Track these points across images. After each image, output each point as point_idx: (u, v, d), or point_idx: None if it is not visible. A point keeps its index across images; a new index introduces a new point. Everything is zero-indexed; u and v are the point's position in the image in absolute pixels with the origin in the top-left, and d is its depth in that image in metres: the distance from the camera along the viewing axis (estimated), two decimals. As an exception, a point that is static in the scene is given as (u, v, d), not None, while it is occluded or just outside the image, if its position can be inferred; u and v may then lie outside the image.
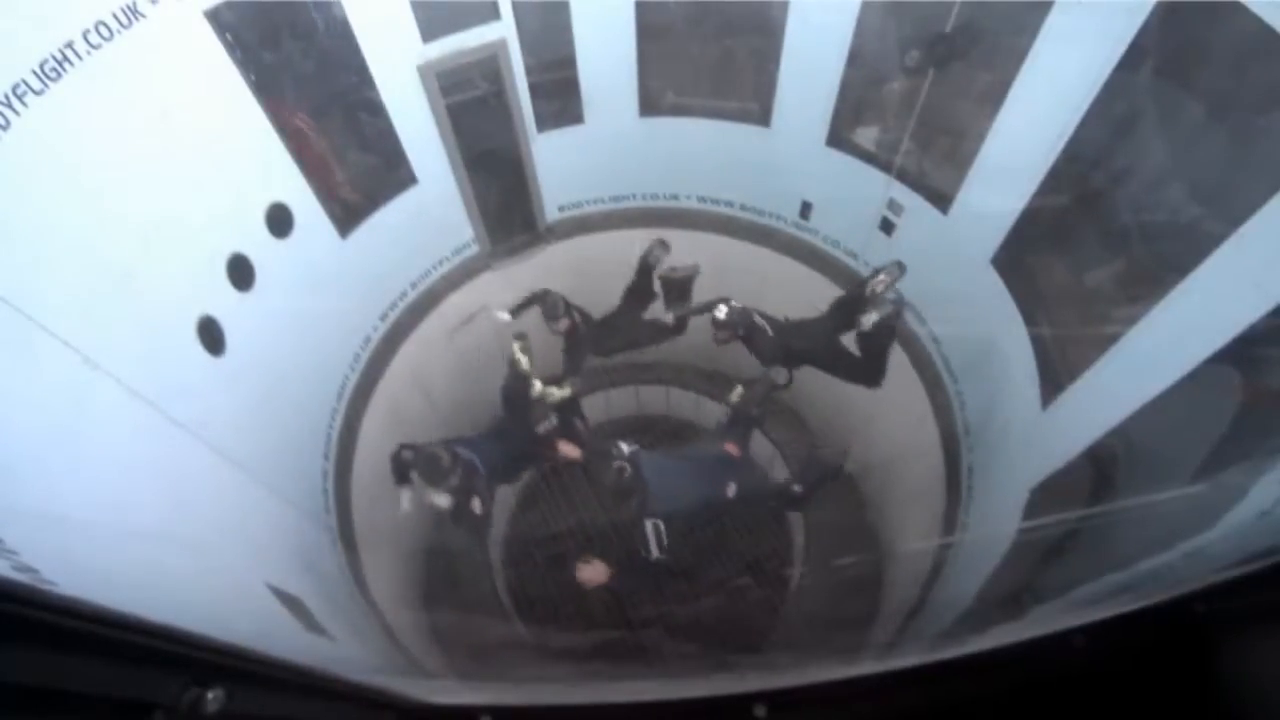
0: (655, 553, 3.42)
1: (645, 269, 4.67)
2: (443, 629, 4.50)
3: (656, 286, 4.72)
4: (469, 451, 3.84)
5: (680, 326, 4.70)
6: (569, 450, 4.03)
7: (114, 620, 0.84)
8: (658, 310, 4.81)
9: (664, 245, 4.61)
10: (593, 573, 3.49)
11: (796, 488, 4.10)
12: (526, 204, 5.15)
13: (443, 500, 3.69)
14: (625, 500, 3.53)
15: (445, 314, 5.12)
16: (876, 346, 4.06)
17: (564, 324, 4.37)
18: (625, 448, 3.62)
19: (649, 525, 3.43)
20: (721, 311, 4.06)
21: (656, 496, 3.49)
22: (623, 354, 5.17)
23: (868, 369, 4.17)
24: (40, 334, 2.18)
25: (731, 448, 3.96)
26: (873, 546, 5.47)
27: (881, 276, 3.97)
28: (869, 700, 1.17)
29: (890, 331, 4.03)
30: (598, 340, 4.68)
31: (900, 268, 3.98)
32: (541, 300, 4.37)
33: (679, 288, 4.67)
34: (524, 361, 4.23)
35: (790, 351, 4.19)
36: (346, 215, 4.15)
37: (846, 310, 4.15)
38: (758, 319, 4.14)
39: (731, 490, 3.78)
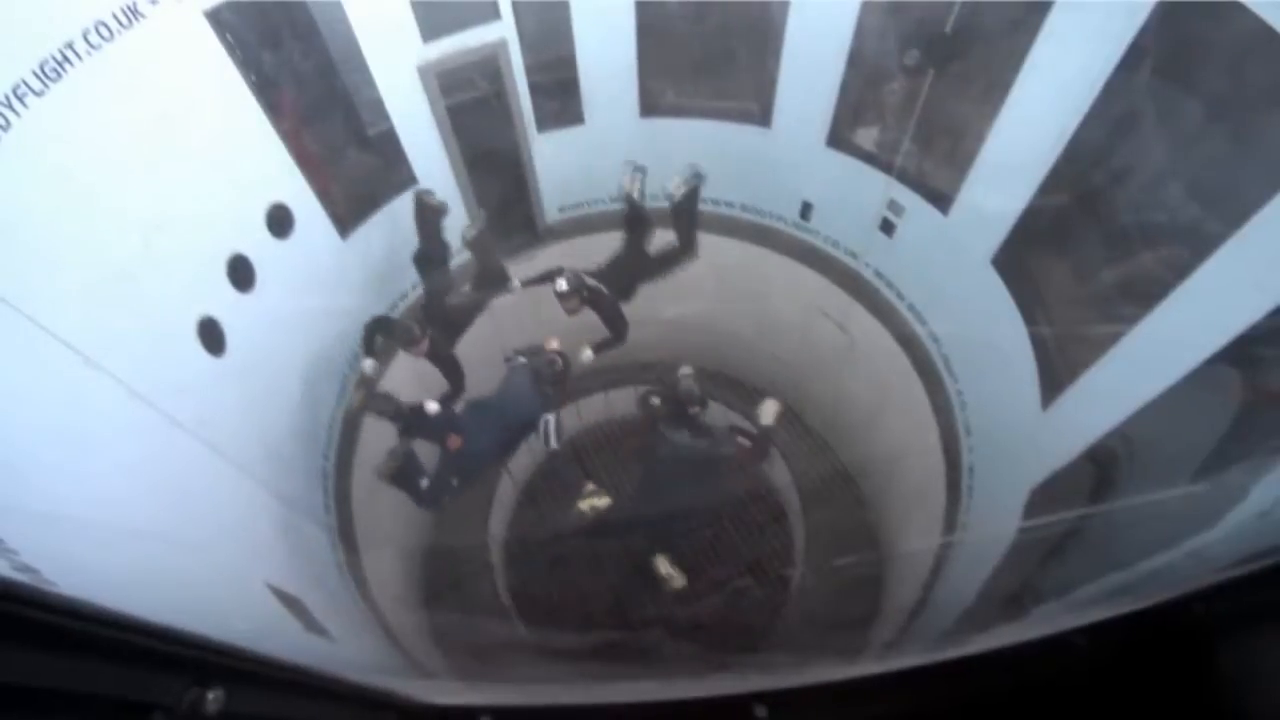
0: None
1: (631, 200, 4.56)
2: (443, 629, 4.50)
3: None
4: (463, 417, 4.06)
5: (687, 246, 4.66)
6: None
7: (114, 620, 0.84)
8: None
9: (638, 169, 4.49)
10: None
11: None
12: (526, 204, 5.15)
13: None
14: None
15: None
16: (685, 216, 4.39)
17: (573, 301, 4.21)
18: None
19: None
20: (562, 284, 4.05)
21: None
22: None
23: (683, 246, 4.50)
24: (40, 334, 2.18)
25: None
26: (873, 547, 5.47)
27: (632, 177, 4.29)
28: (869, 700, 1.17)
29: (694, 198, 4.37)
30: (617, 287, 4.57)
31: (637, 168, 4.32)
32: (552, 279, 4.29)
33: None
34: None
35: (623, 287, 4.48)
36: (347, 215, 4.15)
37: (635, 226, 4.47)
38: (590, 281, 4.21)
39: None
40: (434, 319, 4.49)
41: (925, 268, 4.39)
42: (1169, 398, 2.77)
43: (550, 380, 3.89)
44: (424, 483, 4.08)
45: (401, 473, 4.03)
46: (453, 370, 4.44)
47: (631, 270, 4.67)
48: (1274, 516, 1.94)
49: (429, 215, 4.27)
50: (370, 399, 4.22)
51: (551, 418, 3.87)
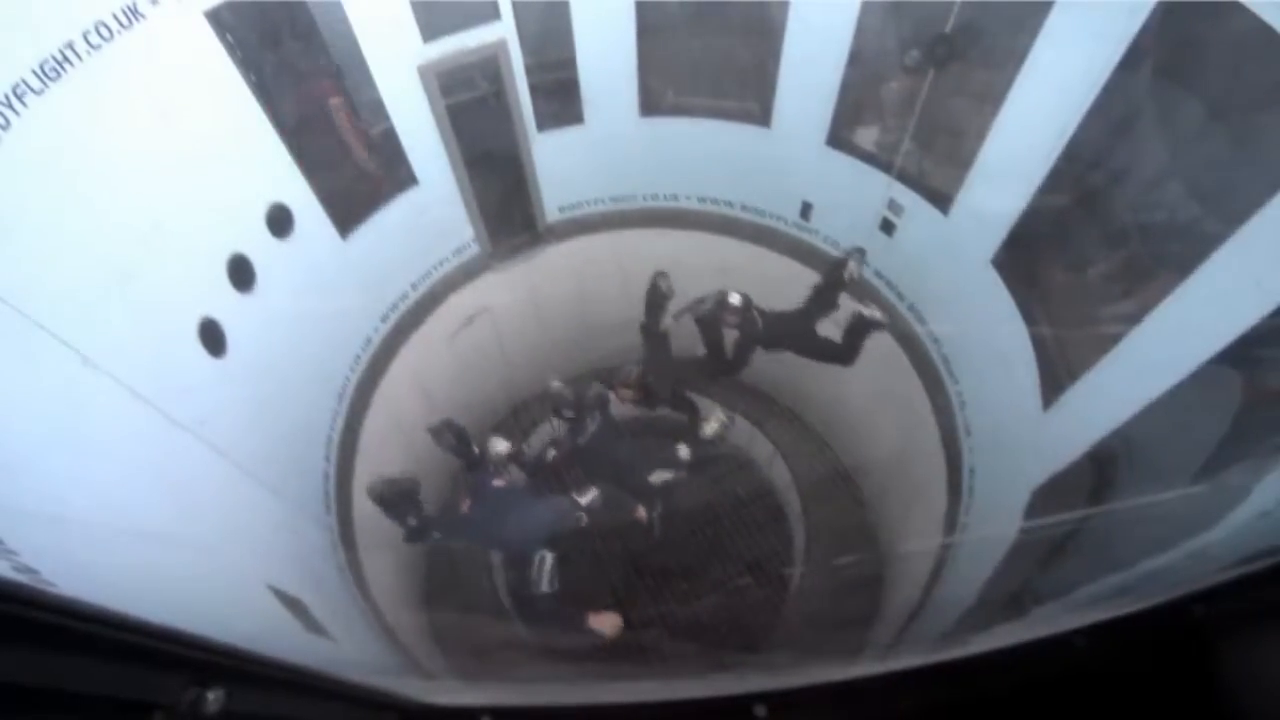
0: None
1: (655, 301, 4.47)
2: (443, 629, 4.50)
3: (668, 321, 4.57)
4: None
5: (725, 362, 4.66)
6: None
7: (114, 620, 0.84)
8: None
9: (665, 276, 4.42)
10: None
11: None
12: (526, 204, 5.15)
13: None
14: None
15: (446, 315, 5.13)
16: (858, 334, 4.22)
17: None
18: None
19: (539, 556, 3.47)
20: (735, 298, 4.10)
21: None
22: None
23: (844, 352, 4.33)
24: (40, 334, 2.18)
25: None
26: (873, 547, 5.47)
27: (850, 265, 4.14)
28: (869, 701, 1.17)
29: (872, 326, 4.19)
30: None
31: (860, 252, 4.19)
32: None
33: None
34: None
35: (772, 339, 4.38)
36: (347, 215, 4.15)
37: (824, 296, 4.29)
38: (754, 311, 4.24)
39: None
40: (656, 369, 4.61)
41: (925, 268, 4.39)
42: (1169, 398, 2.77)
43: (569, 532, 3.72)
44: (411, 521, 3.91)
45: (396, 498, 3.84)
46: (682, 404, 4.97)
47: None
48: (1274, 516, 1.94)
49: (657, 298, 4.37)
50: (438, 427, 4.19)
51: (550, 557, 3.47)
